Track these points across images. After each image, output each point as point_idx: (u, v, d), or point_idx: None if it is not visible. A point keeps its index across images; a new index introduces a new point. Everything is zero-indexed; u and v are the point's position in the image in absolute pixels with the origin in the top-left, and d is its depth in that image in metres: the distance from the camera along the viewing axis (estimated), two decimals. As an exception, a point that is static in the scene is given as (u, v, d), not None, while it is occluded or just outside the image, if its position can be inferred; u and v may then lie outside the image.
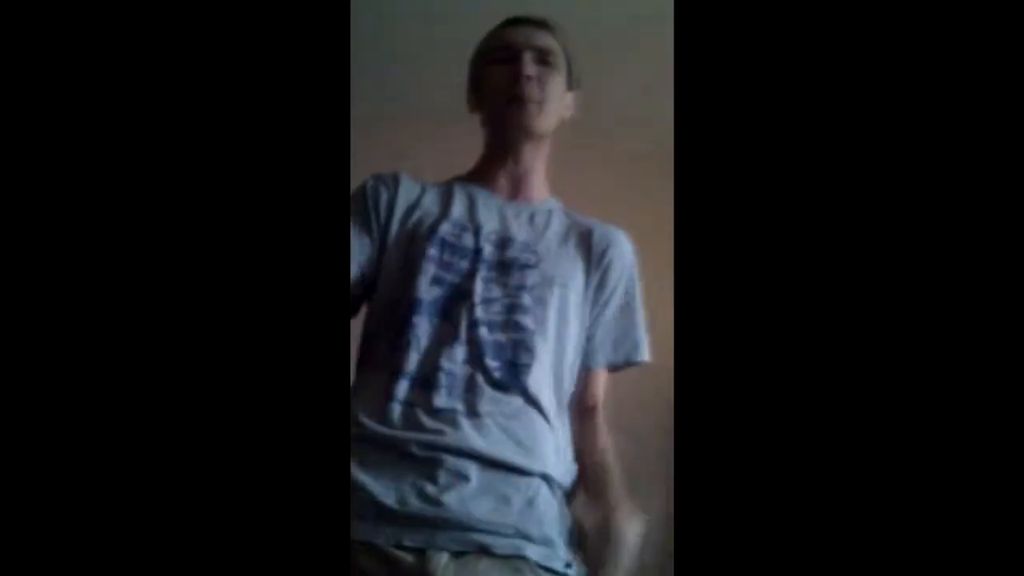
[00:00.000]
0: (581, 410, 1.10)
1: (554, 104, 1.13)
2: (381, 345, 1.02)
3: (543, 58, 1.12)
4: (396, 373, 0.97)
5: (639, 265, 1.16)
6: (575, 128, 1.19)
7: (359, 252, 1.05)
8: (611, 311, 1.12)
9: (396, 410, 0.95)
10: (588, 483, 1.04)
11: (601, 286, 1.12)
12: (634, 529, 0.97)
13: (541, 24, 1.15)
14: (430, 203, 1.11)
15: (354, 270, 1.04)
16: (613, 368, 1.14)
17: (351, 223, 1.07)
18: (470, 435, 0.94)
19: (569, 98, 1.18)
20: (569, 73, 1.16)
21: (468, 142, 1.19)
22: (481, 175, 1.16)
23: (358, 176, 1.19)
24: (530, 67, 1.09)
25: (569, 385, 1.07)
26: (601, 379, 1.14)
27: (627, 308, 1.14)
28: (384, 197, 1.09)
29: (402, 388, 0.96)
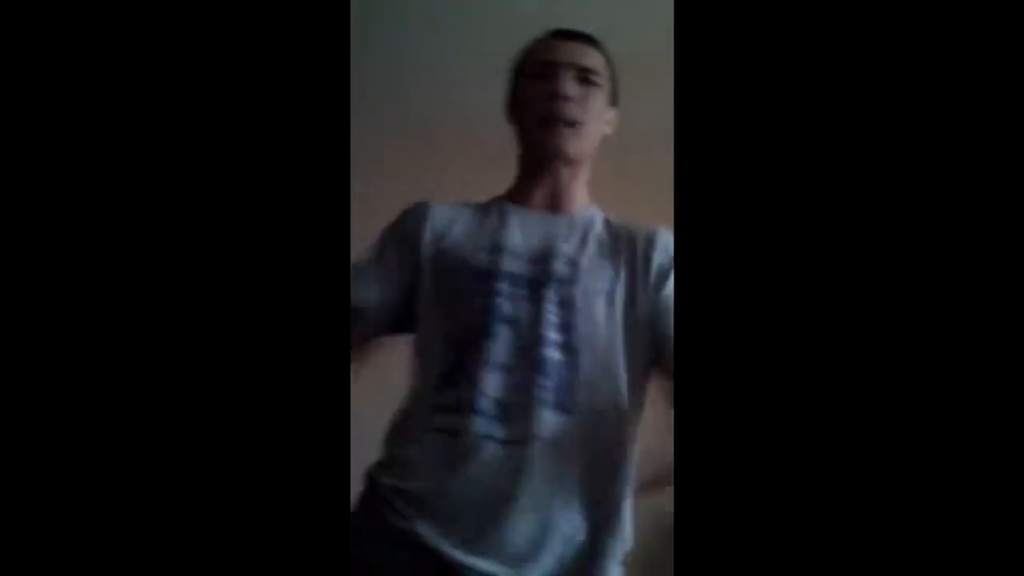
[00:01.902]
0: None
1: (594, 125, 1.08)
2: (430, 379, 0.99)
3: (585, 76, 1.06)
4: (453, 408, 0.95)
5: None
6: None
7: (383, 283, 1.04)
8: (665, 302, 1.05)
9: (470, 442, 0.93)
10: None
11: (647, 282, 1.05)
12: None
13: (585, 39, 1.10)
14: (464, 231, 1.06)
15: (375, 297, 1.03)
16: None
17: (376, 249, 1.07)
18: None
19: (611, 114, 1.13)
20: (612, 90, 1.12)
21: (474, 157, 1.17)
22: (519, 194, 1.12)
23: (358, 174, 1.20)
24: (570, 86, 1.04)
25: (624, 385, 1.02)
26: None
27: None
28: (412, 229, 1.07)
29: (460, 420, 0.95)
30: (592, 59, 1.08)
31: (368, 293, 1.04)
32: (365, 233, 1.11)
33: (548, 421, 0.95)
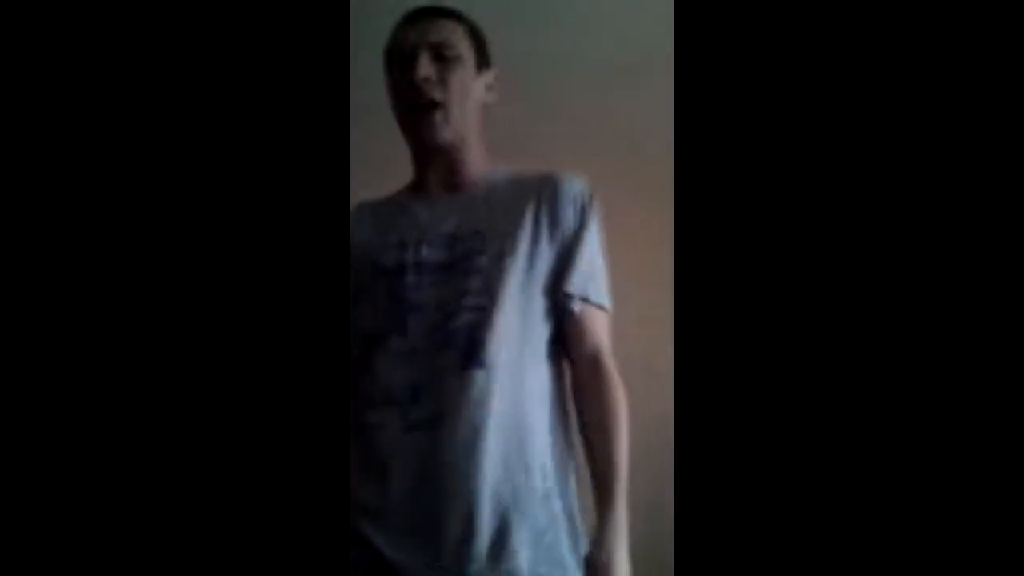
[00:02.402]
0: (584, 358, 1.03)
1: (464, 102, 1.04)
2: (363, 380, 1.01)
3: (440, 53, 1.02)
4: (364, 403, 0.98)
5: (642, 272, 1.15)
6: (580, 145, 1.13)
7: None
8: (572, 250, 1.05)
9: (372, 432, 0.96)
10: (591, 464, 1.02)
11: (554, 226, 1.05)
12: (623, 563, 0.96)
13: (436, 13, 1.06)
14: (367, 229, 1.07)
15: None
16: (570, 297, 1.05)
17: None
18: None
19: (487, 78, 1.09)
20: (479, 55, 1.08)
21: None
22: (417, 184, 1.11)
23: (358, 176, 1.19)
24: (426, 68, 1.01)
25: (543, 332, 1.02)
26: (590, 319, 1.05)
27: (588, 254, 1.06)
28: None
29: (370, 415, 0.97)
30: (446, 32, 1.04)
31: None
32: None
33: (460, 383, 0.95)
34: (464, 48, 1.05)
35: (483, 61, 1.08)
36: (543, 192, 1.05)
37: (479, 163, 1.10)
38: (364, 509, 0.95)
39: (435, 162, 1.08)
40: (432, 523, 0.93)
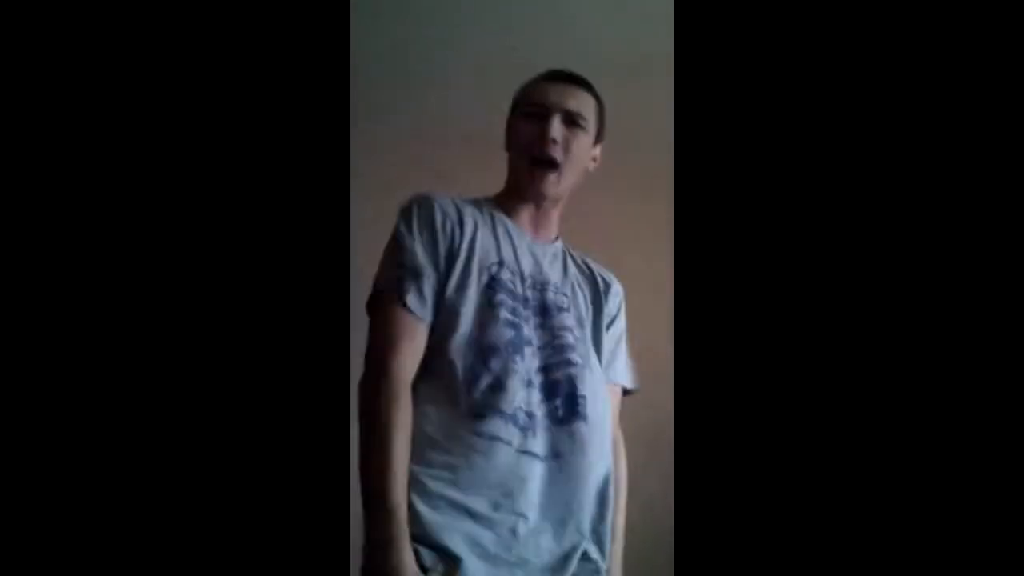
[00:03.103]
0: None
1: (576, 166, 1.15)
2: (454, 385, 1.02)
3: (572, 120, 1.12)
4: (487, 415, 1.00)
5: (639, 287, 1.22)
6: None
7: (428, 286, 1.05)
8: (612, 338, 1.18)
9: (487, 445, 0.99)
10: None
11: (602, 317, 1.17)
12: None
13: (578, 82, 1.16)
14: (479, 238, 1.10)
15: (428, 306, 1.04)
16: (616, 383, 1.19)
17: (408, 254, 1.06)
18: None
19: (595, 151, 1.20)
20: (599, 128, 1.18)
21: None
22: (507, 205, 1.17)
23: (359, 174, 1.19)
24: (557, 130, 1.11)
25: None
26: (614, 391, 1.18)
27: (620, 339, 1.20)
28: (448, 227, 1.09)
29: (496, 427, 0.99)
30: (581, 102, 1.14)
31: (421, 302, 1.05)
32: (366, 239, 1.12)
33: (561, 435, 1.03)
34: (591, 122, 1.15)
35: (600, 135, 1.19)
36: (600, 286, 1.19)
37: (557, 222, 1.21)
38: (470, 513, 0.97)
39: (529, 204, 1.17)
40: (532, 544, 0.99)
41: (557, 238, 1.21)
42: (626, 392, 1.21)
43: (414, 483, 0.96)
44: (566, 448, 1.03)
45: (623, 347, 1.22)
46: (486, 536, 0.96)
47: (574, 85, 1.16)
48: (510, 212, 1.17)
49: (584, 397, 1.06)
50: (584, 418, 1.05)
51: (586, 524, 1.03)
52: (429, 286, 1.05)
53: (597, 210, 1.24)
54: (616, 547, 1.09)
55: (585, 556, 1.03)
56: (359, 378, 1.01)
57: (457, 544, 0.94)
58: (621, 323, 1.21)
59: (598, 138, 1.19)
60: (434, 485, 0.96)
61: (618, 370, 1.19)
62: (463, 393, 1.01)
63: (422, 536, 0.93)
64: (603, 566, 1.05)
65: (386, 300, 1.05)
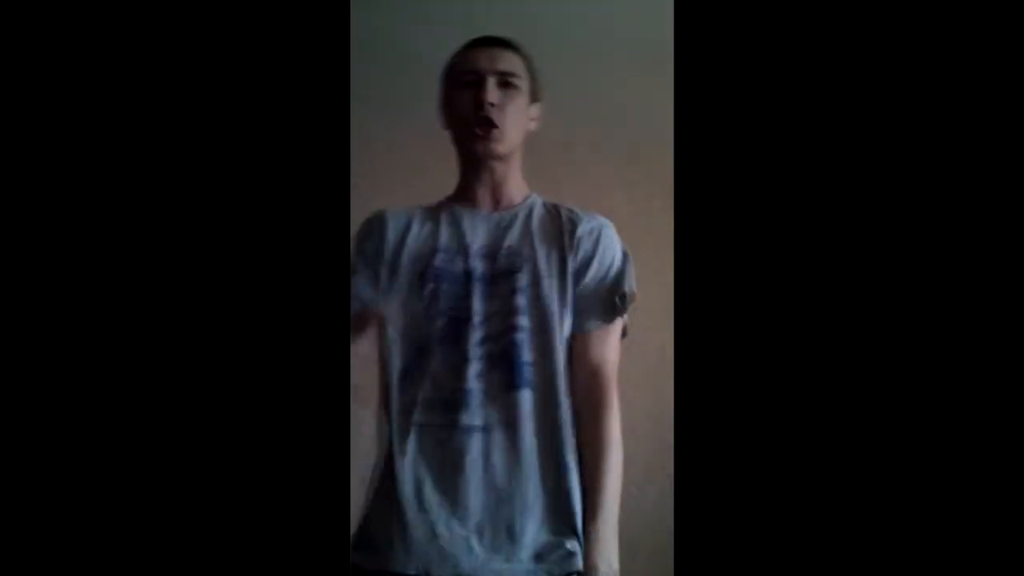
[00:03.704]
0: (585, 374, 1.11)
1: (517, 125, 1.17)
2: (400, 379, 1.09)
3: (506, 80, 1.15)
4: (416, 402, 1.05)
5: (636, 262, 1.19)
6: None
7: (361, 291, 1.13)
8: (591, 283, 1.14)
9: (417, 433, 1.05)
10: (584, 471, 1.07)
11: (567, 264, 1.14)
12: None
13: (504, 44, 1.19)
14: (419, 235, 1.17)
15: (355, 307, 1.12)
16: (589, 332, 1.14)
17: (352, 266, 1.15)
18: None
19: (534, 110, 1.22)
20: (532, 88, 1.20)
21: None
22: (463, 193, 1.21)
23: (359, 174, 1.19)
24: (493, 93, 1.14)
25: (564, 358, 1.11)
26: (598, 339, 1.13)
27: (605, 280, 1.15)
28: (372, 243, 1.16)
29: (422, 414, 1.05)
30: (512, 63, 1.18)
31: (362, 293, 1.15)
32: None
33: (515, 401, 1.06)
34: (524, 80, 1.18)
35: (535, 94, 1.22)
36: (565, 230, 1.18)
37: (518, 185, 1.22)
38: (420, 498, 1.03)
39: (482, 177, 1.20)
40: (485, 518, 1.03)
41: (527, 199, 1.21)
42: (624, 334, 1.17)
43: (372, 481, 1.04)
44: (506, 418, 1.04)
45: (608, 285, 1.15)
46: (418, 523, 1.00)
47: (501, 47, 1.18)
48: (465, 195, 1.21)
49: (527, 364, 1.07)
50: (529, 384, 1.06)
51: (537, 500, 1.03)
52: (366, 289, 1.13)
53: (609, 212, 1.24)
54: (604, 518, 1.05)
55: (554, 543, 1.02)
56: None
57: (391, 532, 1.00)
58: (602, 261, 1.16)
59: (534, 97, 1.21)
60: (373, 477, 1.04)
61: (601, 312, 1.13)
62: (398, 387, 1.08)
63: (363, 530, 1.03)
64: (572, 548, 1.03)
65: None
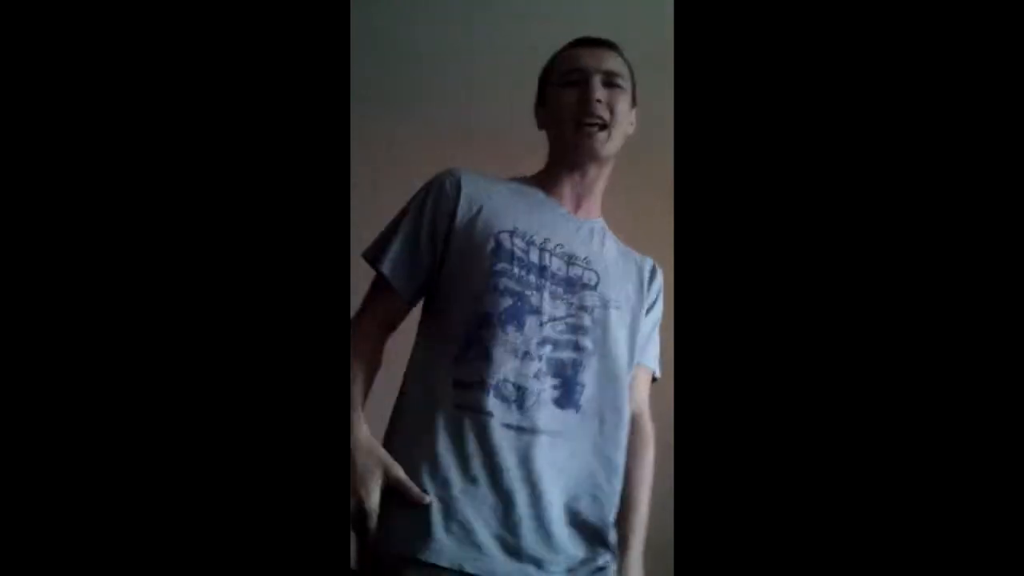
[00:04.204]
0: (631, 410, 1.14)
1: (621, 126, 1.16)
2: (446, 355, 1.05)
3: (611, 80, 1.14)
4: (471, 384, 1.01)
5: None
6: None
7: (417, 259, 1.09)
8: (650, 321, 1.20)
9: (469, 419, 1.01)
10: (623, 496, 1.09)
11: (643, 301, 1.18)
12: None
13: (608, 45, 1.18)
14: (495, 209, 1.11)
15: (405, 276, 1.09)
16: (646, 367, 1.20)
17: (410, 223, 1.10)
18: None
19: (633, 115, 1.21)
20: (633, 92, 1.19)
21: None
22: (547, 183, 1.19)
23: (358, 174, 1.19)
24: (600, 91, 1.12)
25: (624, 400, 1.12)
26: (642, 380, 1.19)
27: (656, 324, 1.22)
28: (445, 203, 1.10)
29: (479, 398, 1.01)
30: (616, 64, 1.16)
31: (401, 270, 1.10)
32: (366, 239, 1.12)
33: (562, 417, 1.04)
34: (627, 82, 1.17)
35: (634, 100, 1.20)
36: (644, 271, 1.21)
37: (598, 199, 1.22)
38: (446, 483, 0.99)
39: (574, 177, 1.18)
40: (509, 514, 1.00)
41: (599, 218, 1.21)
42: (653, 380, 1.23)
43: (394, 453, 1.00)
44: (555, 428, 1.03)
45: (656, 334, 1.22)
46: (466, 507, 0.97)
47: (606, 48, 1.17)
48: (549, 187, 1.18)
49: (582, 385, 1.05)
50: (576, 407, 1.05)
51: (575, 514, 1.03)
52: (413, 259, 1.09)
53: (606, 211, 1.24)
54: (633, 546, 1.09)
55: (587, 557, 1.03)
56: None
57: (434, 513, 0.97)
58: (659, 309, 1.22)
59: (633, 102, 1.20)
60: (412, 456, 1.00)
61: (650, 354, 1.20)
62: (450, 364, 1.03)
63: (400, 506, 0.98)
64: (604, 563, 1.04)
65: (371, 259, 1.11)
